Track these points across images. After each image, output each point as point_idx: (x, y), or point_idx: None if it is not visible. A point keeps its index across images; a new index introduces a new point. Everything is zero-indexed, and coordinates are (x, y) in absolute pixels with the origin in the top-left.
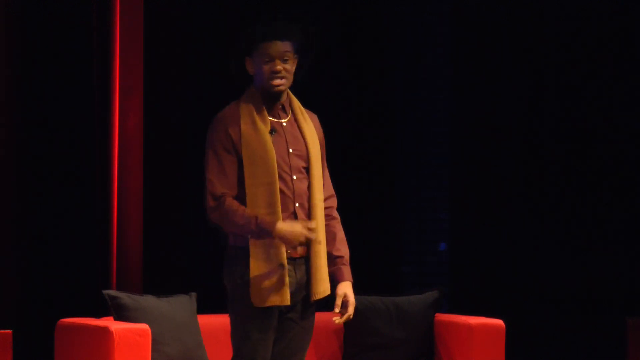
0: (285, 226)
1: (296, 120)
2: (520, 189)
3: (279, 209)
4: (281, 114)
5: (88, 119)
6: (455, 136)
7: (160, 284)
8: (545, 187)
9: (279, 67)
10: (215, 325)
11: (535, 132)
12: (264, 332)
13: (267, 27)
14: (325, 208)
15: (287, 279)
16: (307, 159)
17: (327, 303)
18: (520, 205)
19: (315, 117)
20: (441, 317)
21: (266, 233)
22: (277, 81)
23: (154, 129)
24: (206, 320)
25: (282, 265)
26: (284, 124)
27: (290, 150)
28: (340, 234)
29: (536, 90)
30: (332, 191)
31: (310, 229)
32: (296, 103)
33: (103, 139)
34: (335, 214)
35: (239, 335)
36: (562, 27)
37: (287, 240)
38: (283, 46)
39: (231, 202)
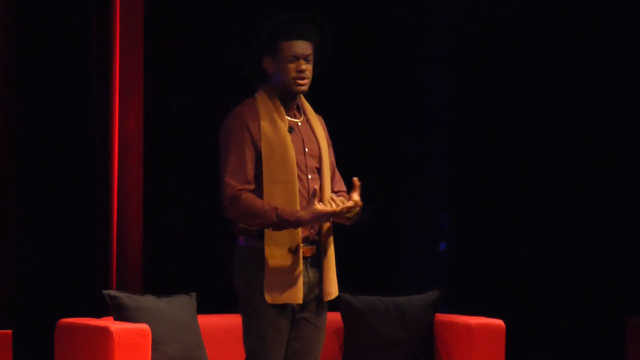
0: (307, 215)
1: (308, 121)
2: (521, 189)
3: (298, 207)
4: (296, 113)
5: (88, 119)
6: (455, 136)
7: (160, 284)
8: (545, 187)
9: (304, 67)
10: (215, 325)
11: (536, 132)
12: (278, 331)
13: (292, 25)
14: (339, 191)
15: (301, 278)
16: (319, 159)
17: (328, 303)
18: (520, 205)
19: (322, 119)
20: (441, 317)
21: (288, 223)
22: (303, 81)
23: (154, 129)
24: (206, 320)
25: (298, 264)
26: (299, 123)
27: (306, 149)
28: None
29: (537, 90)
30: (345, 188)
31: (327, 209)
32: (307, 105)
33: (103, 139)
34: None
35: (253, 335)
36: (563, 26)
37: (313, 224)
38: (307, 46)
39: (248, 196)
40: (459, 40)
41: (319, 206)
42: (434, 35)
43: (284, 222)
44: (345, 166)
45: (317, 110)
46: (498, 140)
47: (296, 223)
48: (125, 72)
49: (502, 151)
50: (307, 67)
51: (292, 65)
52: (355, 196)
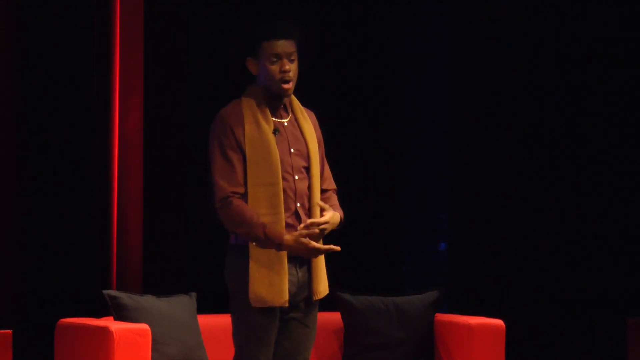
0: (291, 241)
1: (296, 119)
2: (520, 189)
3: (282, 209)
4: (283, 113)
5: (88, 119)
6: (455, 136)
7: (160, 284)
8: (545, 187)
9: (287, 67)
10: (215, 325)
11: (536, 131)
12: (266, 331)
13: (272, 25)
14: (326, 190)
15: (286, 281)
16: (307, 158)
17: (328, 303)
18: (520, 205)
19: (312, 114)
20: (441, 317)
21: (272, 243)
22: (287, 82)
23: (154, 129)
24: (206, 320)
25: (282, 266)
26: (286, 123)
27: (292, 150)
28: (334, 201)
29: (537, 90)
30: (334, 185)
31: (315, 247)
32: (296, 102)
33: (103, 139)
34: (334, 193)
35: (240, 334)
36: (562, 26)
37: (295, 252)
38: (289, 45)
39: (240, 203)
40: (459, 41)
41: (305, 240)
42: (434, 35)
43: (268, 241)
44: (346, 166)
45: (315, 110)
46: (498, 140)
47: (279, 246)
48: (125, 72)
49: (502, 151)
50: (291, 67)
51: (275, 67)
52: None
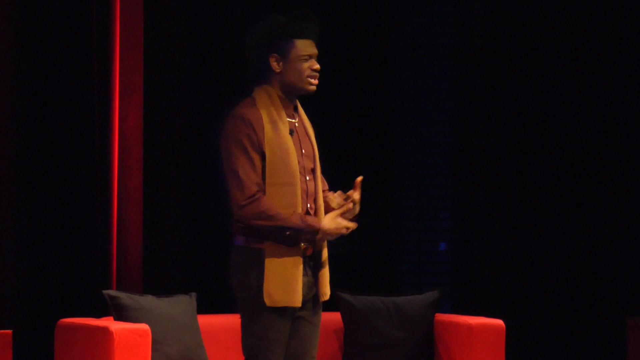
0: (330, 224)
1: (302, 121)
2: (521, 189)
3: (300, 209)
4: (294, 114)
5: (88, 119)
6: (455, 136)
7: (160, 284)
8: (545, 187)
9: (317, 66)
10: (215, 325)
11: (536, 132)
12: (279, 332)
13: (307, 24)
14: (324, 190)
15: (301, 281)
16: (314, 160)
17: (328, 303)
18: (520, 205)
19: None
20: (441, 317)
21: (310, 230)
22: (316, 80)
23: (154, 129)
24: (206, 320)
25: (297, 267)
26: (297, 124)
27: (303, 151)
28: None
29: (538, 90)
30: (327, 187)
31: (348, 225)
32: (299, 104)
33: (103, 139)
34: None
35: (253, 335)
36: (563, 26)
37: (332, 235)
38: (314, 45)
39: (266, 199)
40: (460, 40)
41: (339, 219)
42: (434, 35)
43: (307, 228)
44: (346, 166)
45: (316, 109)
46: (498, 140)
47: (316, 232)
48: (125, 72)
49: (502, 151)
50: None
51: (307, 65)
52: (356, 195)
